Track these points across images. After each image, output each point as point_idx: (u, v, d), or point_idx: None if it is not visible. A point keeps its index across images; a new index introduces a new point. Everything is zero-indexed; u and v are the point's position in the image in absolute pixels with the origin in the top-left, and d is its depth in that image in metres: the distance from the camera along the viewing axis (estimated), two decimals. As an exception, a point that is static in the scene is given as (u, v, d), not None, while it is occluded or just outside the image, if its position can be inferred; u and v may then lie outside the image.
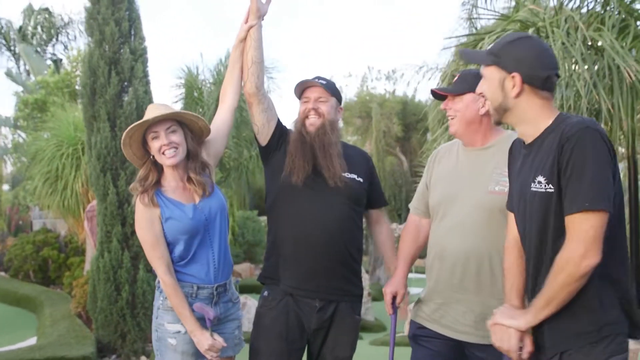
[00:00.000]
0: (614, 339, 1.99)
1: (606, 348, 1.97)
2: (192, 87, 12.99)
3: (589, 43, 5.89)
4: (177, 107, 13.04)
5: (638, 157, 7.18)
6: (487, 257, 2.67)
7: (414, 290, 16.91)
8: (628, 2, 6.36)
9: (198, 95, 12.91)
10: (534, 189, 2.07)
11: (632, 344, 4.64)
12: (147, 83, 6.99)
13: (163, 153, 2.79)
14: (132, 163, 2.92)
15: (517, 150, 2.30)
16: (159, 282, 2.86)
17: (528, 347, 2.12)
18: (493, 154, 2.74)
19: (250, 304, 9.59)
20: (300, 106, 3.02)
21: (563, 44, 5.61)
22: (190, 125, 2.88)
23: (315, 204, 2.92)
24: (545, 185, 2.03)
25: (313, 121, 2.95)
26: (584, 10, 6.61)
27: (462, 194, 2.75)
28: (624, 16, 6.24)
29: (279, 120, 3.06)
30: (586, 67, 5.64)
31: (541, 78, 2.08)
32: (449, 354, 2.79)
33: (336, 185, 2.90)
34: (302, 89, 3.01)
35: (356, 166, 3.03)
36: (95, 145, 6.76)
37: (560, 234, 2.00)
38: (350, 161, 3.01)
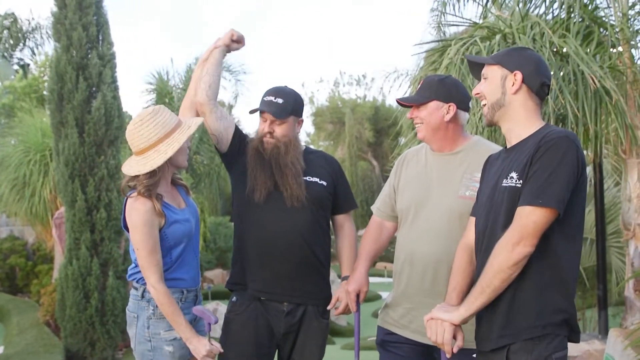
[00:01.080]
0: (555, 337, 2.06)
1: (549, 344, 2.04)
2: (162, 93, 12.94)
3: (555, 49, 6.01)
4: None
5: (603, 161, 7.34)
6: None
7: (385, 294, 16.94)
8: (591, 10, 6.50)
9: (169, 101, 12.86)
10: (505, 184, 2.13)
11: (598, 345, 4.72)
12: (116, 88, 6.93)
13: (186, 154, 2.87)
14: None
15: (494, 159, 2.39)
16: (144, 292, 2.80)
17: (459, 341, 2.19)
18: (462, 159, 2.77)
19: (221, 310, 9.54)
20: (260, 122, 3.05)
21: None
22: None
23: (278, 210, 2.94)
24: (516, 180, 2.09)
25: (269, 141, 2.98)
26: (549, 17, 6.74)
27: (432, 199, 2.77)
28: (587, 23, 6.38)
29: (236, 126, 3.08)
30: (552, 72, 5.75)
31: (538, 82, 2.21)
32: (415, 357, 2.81)
33: (297, 198, 2.93)
34: (259, 108, 3.02)
35: (318, 169, 3.04)
36: (63, 151, 6.68)
37: None
38: (311, 165, 3.03)
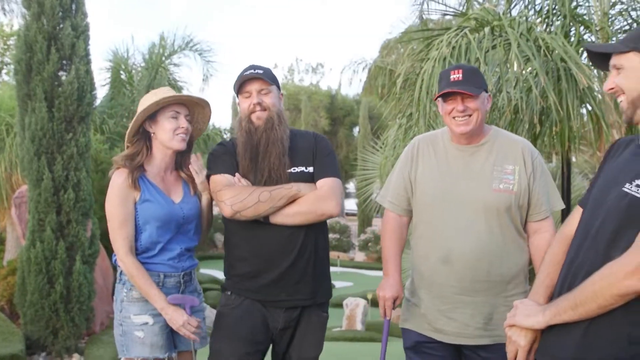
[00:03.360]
0: None
1: None
2: (119, 69, 12.47)
3: (538, 45, 6.01)
4: (105, 90, 12.49)
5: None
6: (497, 257, 2.60)
7: (339, 284, 16.96)
8: (573, 7, 6.54)
9: (127, 78, 12.38)
10: (627, 190, 1.83)
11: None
12: (89, 62, 6.53)
13: (176, 135, 2.77)
14: (127, 135, 2.83)
15: (620, 148, 2.07)
16: (120, 273, 2.76)
17: (532, 354, 2.00)
18: (488, 151, 2.69)
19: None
20: (242, 102, 2.85)
21: (519, 45, 5.69)
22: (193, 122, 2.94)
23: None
24: None
25: (260, 114, 2.80)
26: (531, 12, 6.76)
27: (461, 193, 2.66)
28: (568, 21, 6.42)
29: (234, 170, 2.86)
30: (537, 67, 5.74)
31: None
32: (449, 356, 2.71)
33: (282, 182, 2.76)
34: (240, 83, 2.83)
35: (303, 156, 2.86)
36: (30, 126, 6.26)
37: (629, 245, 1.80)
38: (297, 153, 2.85)
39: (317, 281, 2.85)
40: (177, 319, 2.63)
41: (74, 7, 6.46)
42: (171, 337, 2.78)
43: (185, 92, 13.30)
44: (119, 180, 2.71)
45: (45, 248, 6.33)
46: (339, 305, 11.21)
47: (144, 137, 2.80)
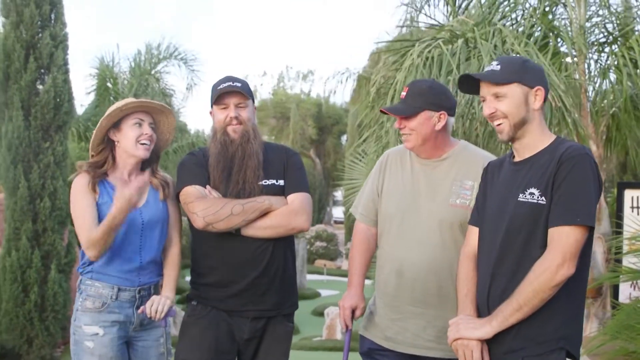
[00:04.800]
0: (561, 351, 2.11)
1: (558, 357, 2.10)
2: (105, 77, 12.49)
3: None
4: (90, 98, 12.52)
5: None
6: (449, 271, 2.62)
7: (325, 292, 16.83)
8: (550, 20, 6.62)
9: (113, 86, 12.41)
10: (523, 200, 2.14)
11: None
12: (67, 72, 6.56)
13: (140, 143, 2.78)
14: (92, 144, 2.85)
15: (495, 169, 2.39)
16: (80, 282, 2.77)
17: (486, 357, 2.17)
18: (450, 166, 2.72)
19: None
20: (218, 113, 2.86)
21: (491, 57, 5.75)
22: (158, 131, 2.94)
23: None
24: (538, 197, 2.11)
25: (236, 128, 2.82)
26: (508, 23, 6.83)
27: (420, 207, 2.70)
28: (545, 33, 6.50)
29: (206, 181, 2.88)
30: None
31: (546, 93, 2.24)
32: None
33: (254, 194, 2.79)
34: (218, 95, 2.85)
35: (274, 169, 2.89)
36: (6, 134, 6.29)
37: (543, 245, 2.10)
38: (268, 165, 2.87)
39: (284, 292, 2.88)
40: (124, 192, 2.64)
41: (53, 16, 6.51)
42: (125, 351, 2.79)
43: (174, 101, 13.37)
44: (80, 181, 2.75)
45: (20, 256, 6.34)
46: (322, 314, 11.21)
47: (108, 145, 2.82)
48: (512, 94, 2.20)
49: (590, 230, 2.08)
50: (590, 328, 5.34)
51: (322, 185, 22.97)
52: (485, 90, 2.25)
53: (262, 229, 2.74)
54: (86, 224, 2.68)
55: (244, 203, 2.72)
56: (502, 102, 2.22)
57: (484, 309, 2.22)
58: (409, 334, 2.68)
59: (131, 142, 2.77)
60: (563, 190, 2.06)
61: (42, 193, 6.42)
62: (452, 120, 2.77)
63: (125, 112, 2.78)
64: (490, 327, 2.12)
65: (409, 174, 2.78)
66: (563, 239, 2.03)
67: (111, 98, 12.06)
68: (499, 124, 2.24)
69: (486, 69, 2.31)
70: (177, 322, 8.79)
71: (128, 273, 2.76)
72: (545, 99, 2.24)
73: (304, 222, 2.80)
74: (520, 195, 2.15)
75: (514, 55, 2.29)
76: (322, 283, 16.60)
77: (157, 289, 2.89)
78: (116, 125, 2.80)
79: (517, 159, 2.28)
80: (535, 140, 2.22)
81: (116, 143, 2.81)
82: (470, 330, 2.16)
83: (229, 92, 2.81)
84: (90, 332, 2.70)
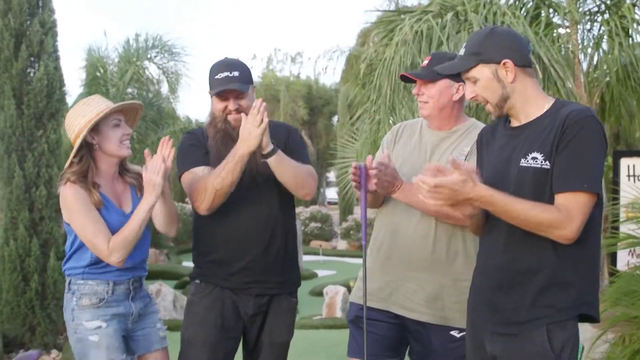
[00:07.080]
0: (577, 318, 2.10)
1: (575, 323, 2.10)
2: (95, 66, 12.46)
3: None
4: (81, 86, 12.49)
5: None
6: (445, 237, 2.68)
7: (322, 273, 16.98)
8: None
9: (102, 74, 12.36)
10: (526, 165, 2.08)
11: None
12: (57, 59, 6.51)
13: (122, 142, 2.76)
14: (74, 151, 2.74)
15: (489, 135, 2.34)
16: (70, 283, 2.76)
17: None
18: (458, 139, 2.77)
19: (165, 291, 9.34)
20: (217, 103, 2.85)
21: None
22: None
23: (241, 203, 2.81)
24: (542, 162, 2.05)
25: (237, 117, 2.80)
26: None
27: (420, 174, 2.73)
28: (537, 3, 6.49)
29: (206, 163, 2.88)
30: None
31: (525, 57, 2.16)
32: (392, 336, 2.79)
33: (259, 180, 2.81)
34: (216, 91, 2.84)
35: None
36: (-1, 123, 6.26)
37: None
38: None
39: (287, 269, 2.93)
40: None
41: (40, 3, 6.43)
42: (126, 342, 2.80)
43: (163, 88, 13.32)
44: (72, 189, 2.67)
45: (19, 246, 6.33)
46: (320, 294, 11.26)
47: (87, 149, 2.73)
48: (481, 75, 2.15)
49: (598, 196, 2.03)
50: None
51: (315, 166, 22.90)
52: (462, 76, 2.23)
53: (289, 166, 2.76)
54: (102, 229, 2.65)
55: (220, 170, 2.70)
56: (478, 86, 2.18)
57: (490, 278, 2.21)
58: (399, 295, 2.73)
59: (114, 143, 2.74)
60: (569, 154, 2.00)
61: (38, 181, 6.40)
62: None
63: (104, 115, 2.72)
64: (478, 190, 2.00)
65: (417, 143, 2.85)
66: (571, 205, 1.98)
67: (102, 88, 12.02)
68: (485, 105, 2.22)
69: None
70: (177, 306, 8.86)
71: (121, 270, 2.77)
72: (526, 65, 2.15)
73: (314, 188, 2.87)
74: (522, 160, 2.09)
75: (483, 28, 2.22)
76: (318, 263, 16.68)
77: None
78: (93, 128, 2.72)
79: (514, 124, 2.23)
80: (529, 107, 2.16)
81: (95, 146, 2.74)
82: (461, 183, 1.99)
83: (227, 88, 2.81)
84: (92, 326, 2.70)
